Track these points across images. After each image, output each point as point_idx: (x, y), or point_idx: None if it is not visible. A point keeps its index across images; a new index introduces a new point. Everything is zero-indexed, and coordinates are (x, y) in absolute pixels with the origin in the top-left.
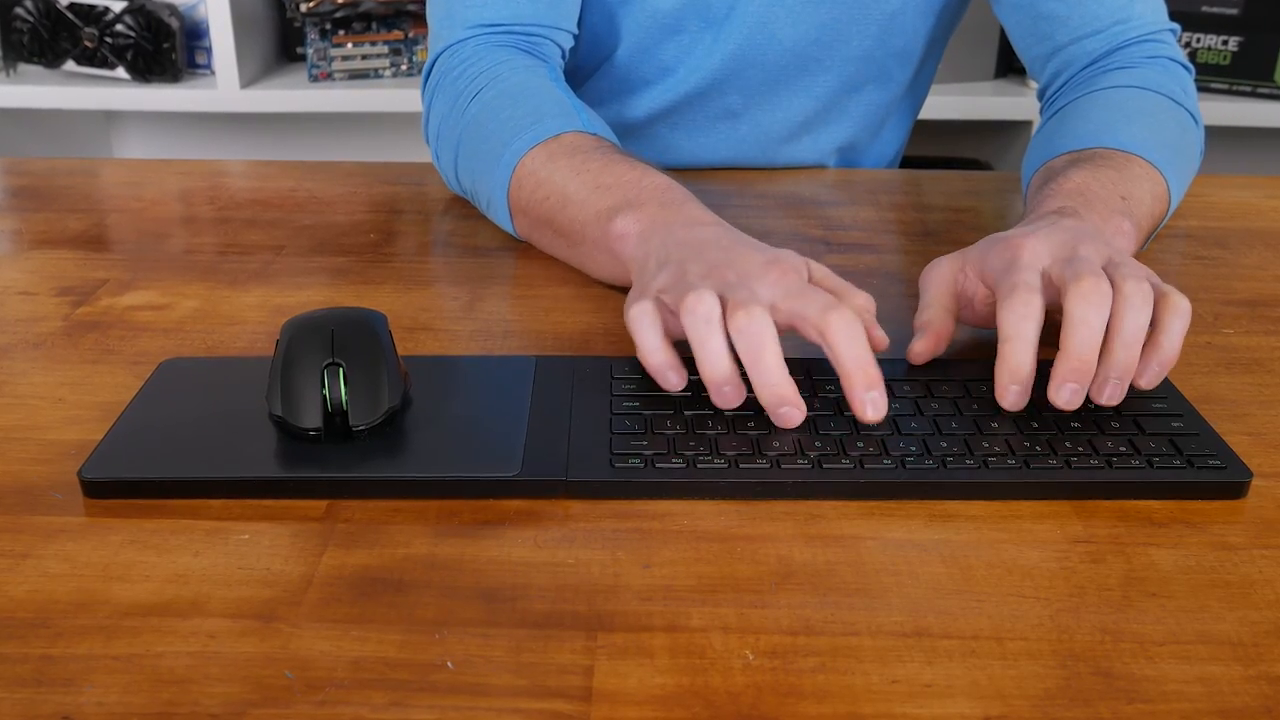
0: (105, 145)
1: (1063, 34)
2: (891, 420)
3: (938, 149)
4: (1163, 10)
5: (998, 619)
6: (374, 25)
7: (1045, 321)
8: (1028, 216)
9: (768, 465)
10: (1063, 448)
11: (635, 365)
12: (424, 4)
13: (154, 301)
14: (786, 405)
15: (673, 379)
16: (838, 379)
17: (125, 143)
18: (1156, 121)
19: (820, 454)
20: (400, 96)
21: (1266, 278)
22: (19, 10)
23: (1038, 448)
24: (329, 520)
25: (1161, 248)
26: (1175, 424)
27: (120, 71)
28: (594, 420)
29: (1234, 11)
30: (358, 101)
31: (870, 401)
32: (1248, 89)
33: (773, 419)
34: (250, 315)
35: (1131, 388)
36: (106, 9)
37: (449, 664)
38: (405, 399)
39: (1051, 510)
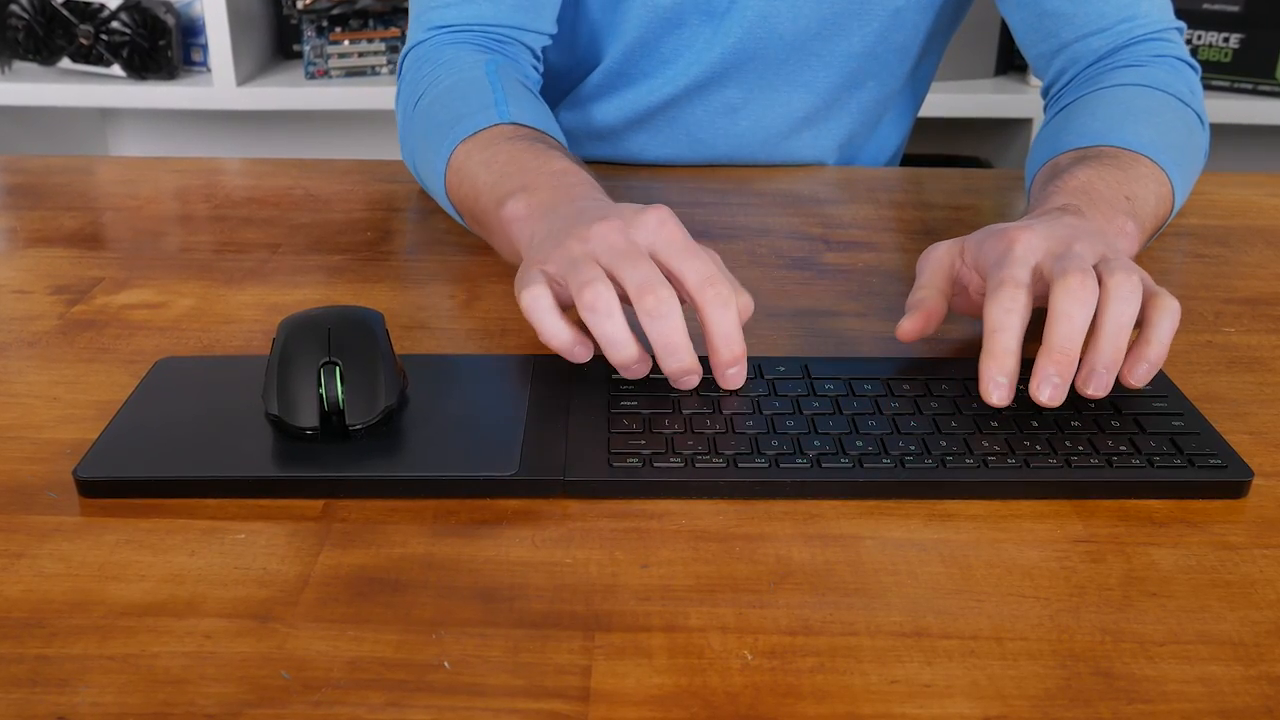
0: (101, 143)
1: (1068, 31)
2: (891, 419)
3: (937, 147)
4: (1168, 8)
5: (997, 619)
6: (371, 22)
7: (1034, 317)
8: (1030, 212)
9: (766, 464)
10: (1063, 447)
11: None
12: None
13: (149, 300)
14: (687, 373)
15: (580, 353)
16: (836, 377)
17: (121, 140)
18: (1163, 121)
19: (819, 453)
20: None
21: (1267, 276)
22: (14, 7)
23: (1038, 447)
24: (326, 520)
25: (1162, 246)
26: (1176, 423)
27: (116, 69)
28: (592, 419)
29: (1235, 9)
30: (354, 99)
31: (730, 376)
32: (1249, 86)
33: (675, 385)
34: (246, 314)
35: (1120, 385)
36: (102, 6)
37: (446, 664)
38: (402, 398)
39: (1051, 510)
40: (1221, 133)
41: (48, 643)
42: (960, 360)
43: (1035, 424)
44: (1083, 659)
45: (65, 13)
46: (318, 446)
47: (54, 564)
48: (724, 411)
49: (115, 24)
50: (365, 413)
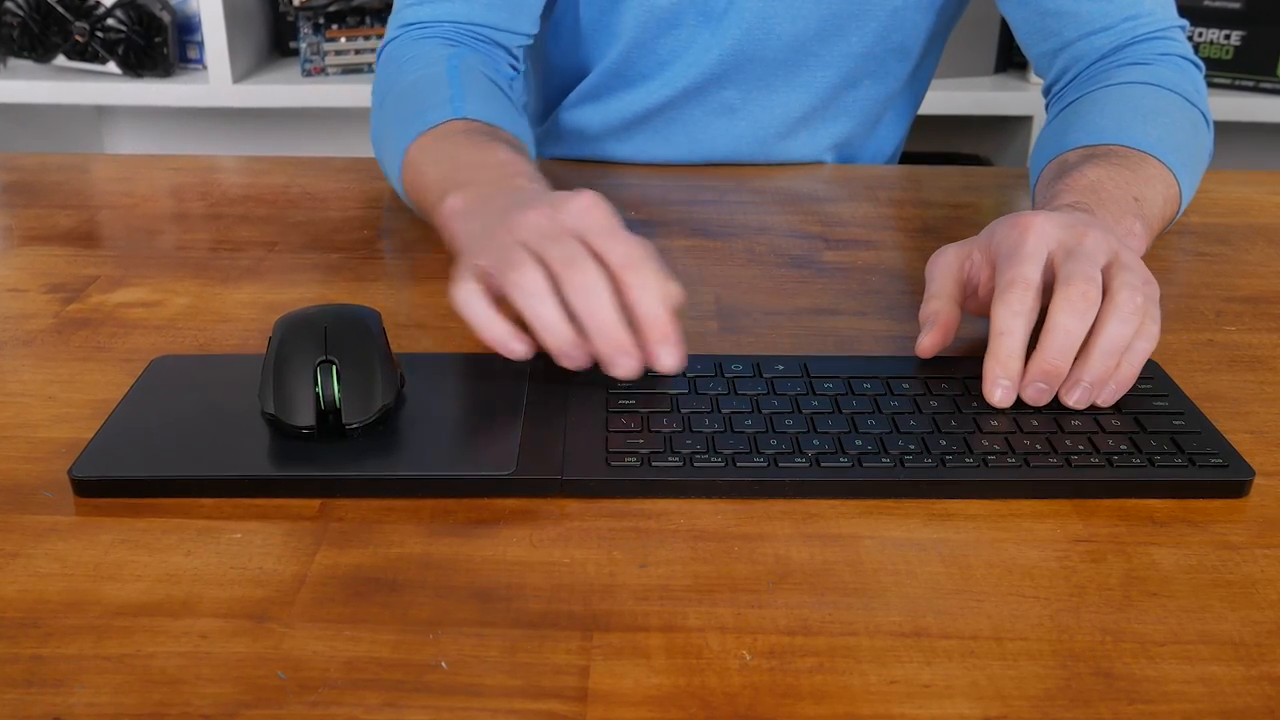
0: (96, 140)
1: (1071, 30)
2: (890, 418)
3: (937, 144)
4: (1172, 6)
5: (997, 619)
6: (367, 19)
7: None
8: (1039, 209)
9: (765, 463)
10: (1063, 446)
11: None
12: None
13: (145, 298)
14: (621, 351)
15: (516, 348)
16: (835, 376)
17: (116, 138)
18: (1171, 121)
19: (818, 452)
20: None
21: (1269, 274)
22: (9, 4)
23: (1038, 446)
24: (322, 519)
25: (1163, 244)
26: (1176, 422)
27: (111, 66)
28: (590, 418)
29: (1236, 6)
30: (351, 96)
31: (664, 355)
32: (1250, 84)
33: (610, 370)
34: (242, 312)
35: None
36: (97, 3)
37: (443, 664)
38: (399, 397)
39: (1051, 509)
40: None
41: (43, 643)
42: (960, 359)
43: (1035, 423)
44: (1083, 659)
45: (61, 10)
46: (314, 446)
47: (49, 564)
48: (723, 410)
49: (111, 21)
50: (362, 412)
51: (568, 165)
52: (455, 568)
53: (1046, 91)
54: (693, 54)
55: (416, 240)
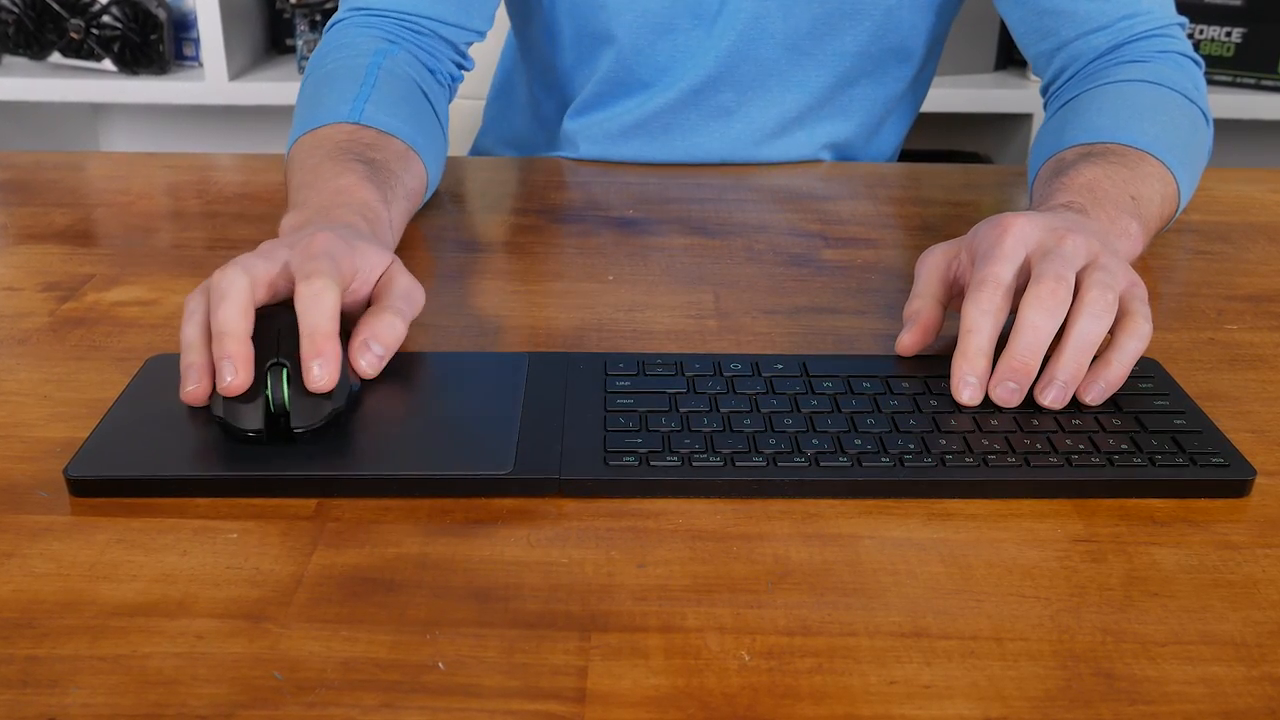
0: (92, 138)
1: (1069, 29)
2: (890, 417)
3: (936, 142)
4: (1170, 4)
5: (997, 619)
6: None
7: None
8: (1034, 208)
9: (764, 463)
10: (1063, 445)
11: (630, 362)
12: None
13: (141, 297)
14: (226, 360)
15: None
16: (834, 375)
17: (112, 136)
18: (1170, 119)
19: (817, 452)
20: None
21: (1270, 272)
22: (4, 2)
23: (1038, 445)
24: (319, 519)
25: (1163, 243)
26: (1177, 421)
27: (107, 63)
28: (588, 417)
29: (1238, 3)
30: None
31: (315, 366)
32: (1251, 81)
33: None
34: None
35: (1111, 385)
36: (93, 0)
37: (441, 665)
38: (351, 399)
39: (1052, 509)
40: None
41: (38, 643)
42: None
43: (1035, 422)
44: (1084, 659)
45: (56, 7)
46: (311, 445)
47: (44, 564)
48: (721, 410)
49: (106, 18)
50: (310, 416)
51: (567, 164)
52: (452, 568)
53: (1044, 91)
54: (690, 58)
55: (412, 238)
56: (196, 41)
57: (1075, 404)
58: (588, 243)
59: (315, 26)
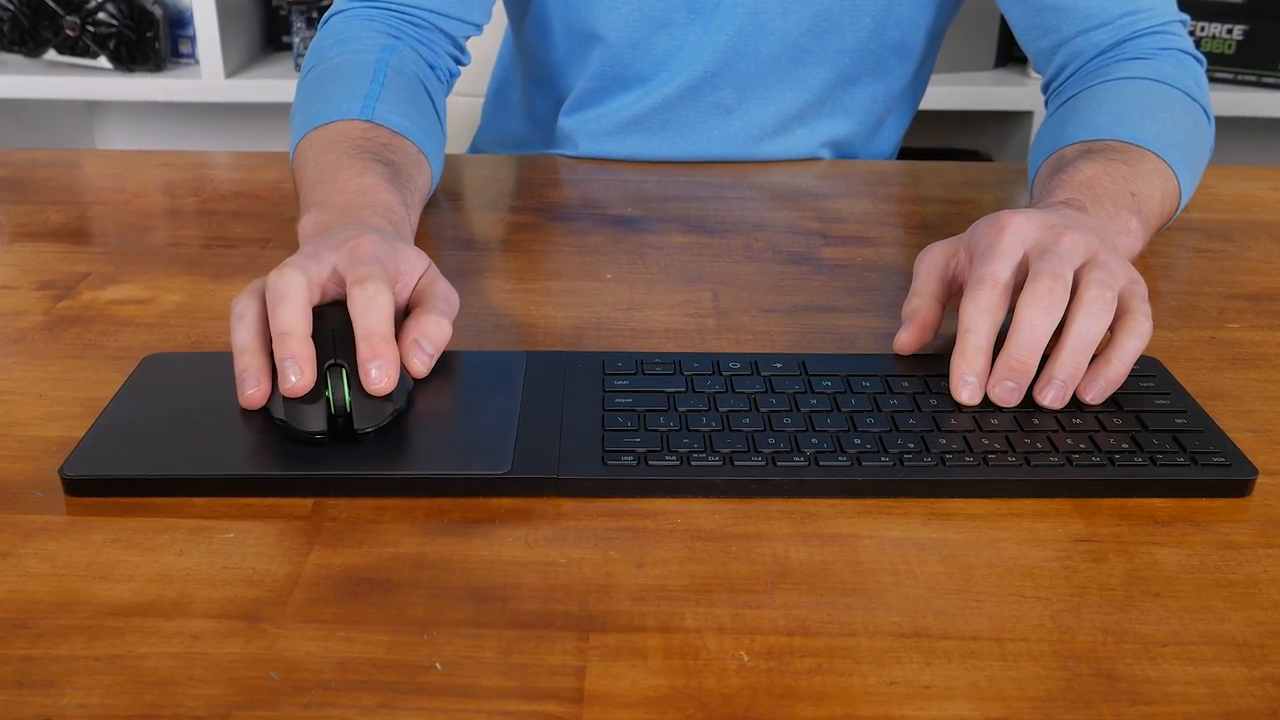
0: (87, 136)
1: (1070, 26)
2: (889, 417)
3: (936, 140)
4: (1172, 1)
5: (998, 619)
6: None
7: None
8: (1034, 206)
9: (763, 462)
10: (1064, 445)
11: (628, 361)
12: None
13: (137, 295)
14: (288, 359)
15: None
16: (834, 374)
17: (107, 133)
18: (1171, 116)
19: (817, 451)
20: None
21: (1271, 271)
22: None
23: (1038, 445)
24: (315, 519)
25: (1165, 241)
26: (1179, 420)
27: (102, 61)
28: (586, 417)
29: (1239, 0)
30: None
31: (373, 369)
32: (1253, 79)
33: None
34: None
35: (1110, 383)
36: None
37: (438, 665)
38: (409, 400)
39: (1052, 508)
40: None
41: (33, 644)
42: None
43: (1036, 421)
44: (1084, 660)
45: (51, 4)
46: (308, 445)
47: (39, 564)
48: (720, 409)
49: (102, 15)
50: (374, 417)
51: (564, 162)
52: (450, 568)
53: (1045, 88)
54: (686, 53)
55: None
56: (192, 39)
57: (1076, 403)
58: (586, 241)
59: (311, 23)
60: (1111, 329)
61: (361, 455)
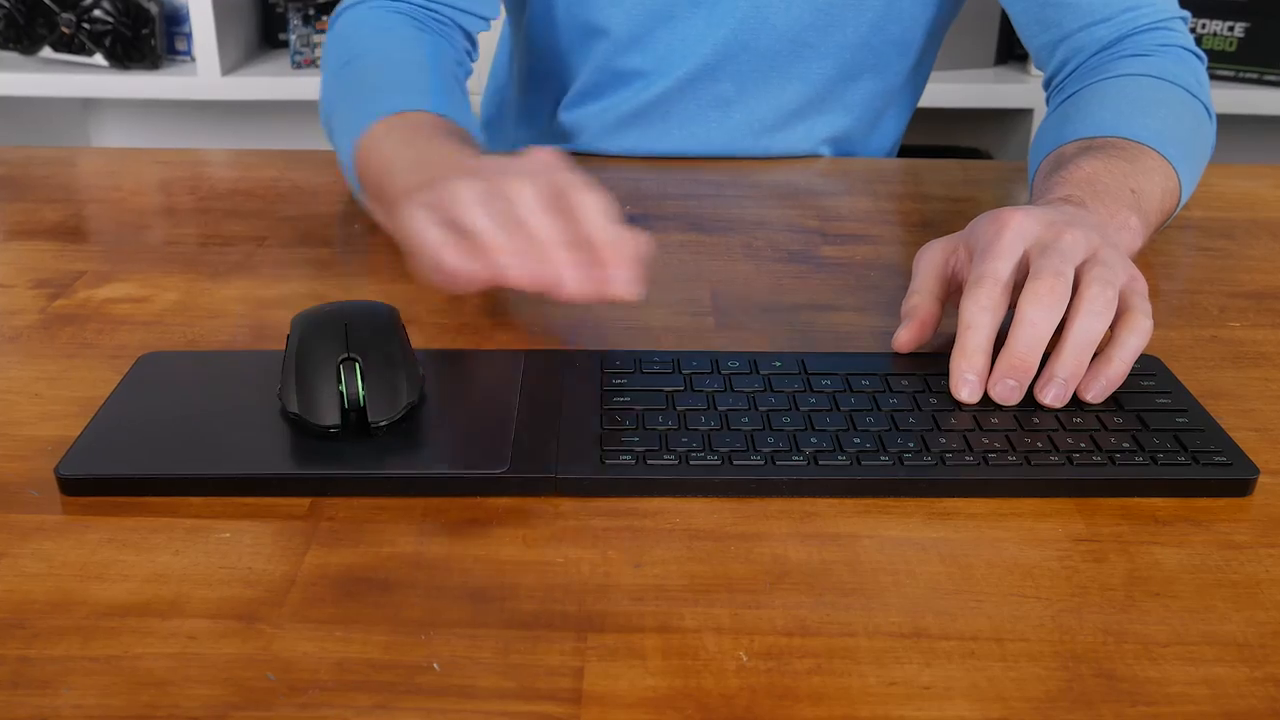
0: (83, 134)
1: (1071, 21)
2: (889, 416)
3: (936, 137)
4: None
5: (998, 619)
6: None
7: None
8: (1033, 203)
9: (762, 462)
10: (1065, 444)
11: (626, 359)
12: None
13: (133, 294)
14: (571, 269)
15: (448, 258)
16: (833, 373)
17: (103, 131)
18: (1172, 113)
19: (816, 450)
20: None
21: (1273, 269)
22: None
23: (1039, 444)
24: (312, 518)
25: (1166, 239)
26: (1180, 419)
27: (98, 58)
28: (584, 416)
29: None
30: None
31: (618, 275)
32: (1254, 76)
33: (556, 292)
34: (231, 308)
35: (1109, 383)
36: None
37: (435, 665)
38: (422, 394)
39: (1053, 508)
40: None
41: (29, 644)
42: None
43: (1036, 420)
44: (1085, 660)
45: (47, 1)
46: (305, 444)
47: (35, 563)
48: (719, 408)
49: (97, 12)
50: (388, 410)
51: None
52: (447, 567)
53: (1047, 84)
54: (688, 46)
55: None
56: (189, 36)
57: (1076, 402)
58: None
59: (308, 21)
60: (1112, 327)
61: (359, 455)
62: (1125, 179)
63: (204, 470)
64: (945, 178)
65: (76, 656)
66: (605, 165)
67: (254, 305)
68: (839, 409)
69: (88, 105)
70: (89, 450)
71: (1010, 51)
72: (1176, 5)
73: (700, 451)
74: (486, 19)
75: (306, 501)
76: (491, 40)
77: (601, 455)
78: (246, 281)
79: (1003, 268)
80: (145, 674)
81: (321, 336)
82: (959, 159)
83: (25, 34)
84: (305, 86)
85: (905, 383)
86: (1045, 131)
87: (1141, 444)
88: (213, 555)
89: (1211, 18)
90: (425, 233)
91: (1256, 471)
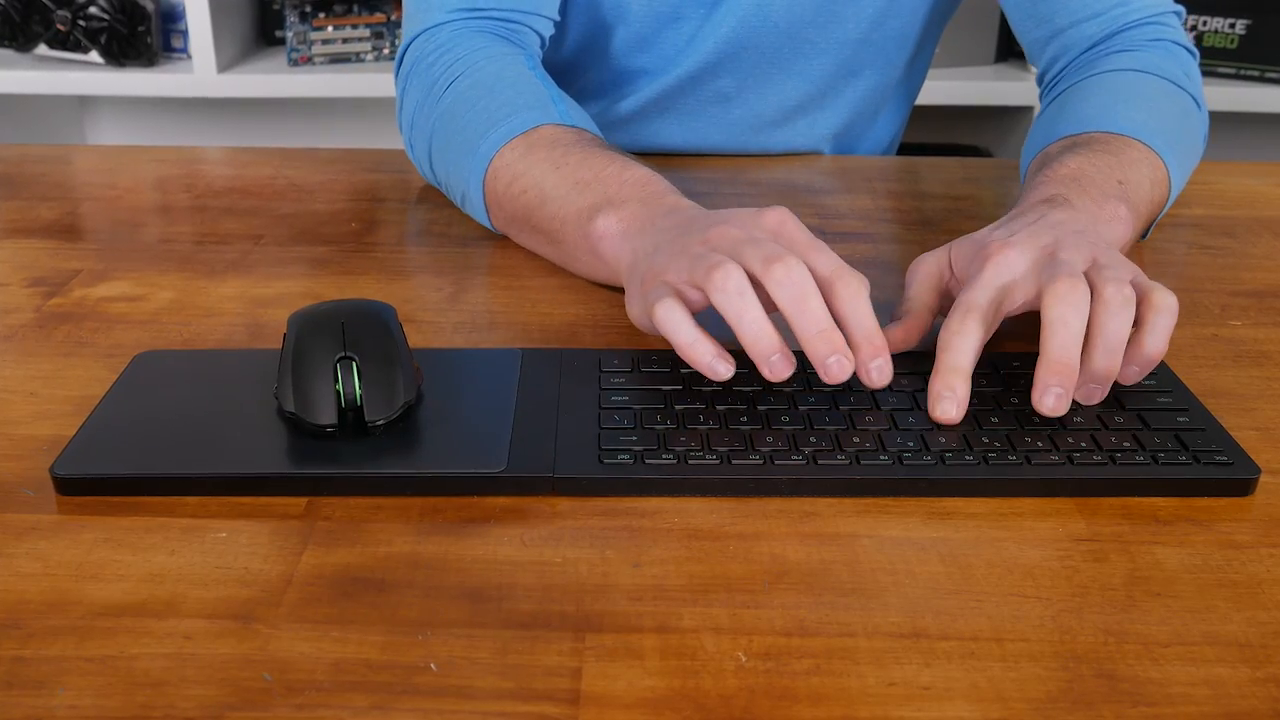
0: (78, 131)
1: (1062, 17)
2: (889, 415)
3: (936, 135)
4: None
5: (998, 619)
6: (355, 8)
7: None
8: (1018, 204)
9: (761, 461)
10: (1065, 443)
11: (624, 358)
12: None
13: (128, 292)
14: (836, 354)
15: (722, 369)
16: None
17: (99, 129)
18: (1156, 105)
19: (815, 450)
20: (382, 81)
21: (1275, 268)
22: None
23: (1039, 443)
24: (309, 518)
25: (1166, 237)
26: (1181, 419)
27: (94, 55)
28: (582, 415)
29: None
30: (338, 86)
31: (875, 369)
32: (1256, 73)
33: (821, 372)
34: (228, 307)
35: (1119, 382)
36: None
37: (433, 666)
38: (419, 393)
39: (1053, 508)
40: (1228, 121)
41: (24, 644)
42: None
43: (1037, 420)
44: (1085, 660)
45: None
46: (301, 443)
47: (30, 563)
48: (718, 407)
49: (93, 9)
50: (385, 409)
51: None
52: (445, 567)
53: (1040, 81)
54: (691, 45)
55: (405, 234)
56: (185, 33)
57: (1075, 402)
58: None
59: (305, 18)
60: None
61: (355, 454)
62: (1111, 171)
63: (200, 470)
64: (945, 175)
65: (72, 657)
66: None
67: (250, 304)
68: (838, 408)
69: (83, 102)
70: (84, 449)
71: (1010, 49)
72: (1169, 0)
73: (699, 451)
74: (551, 19)
75: (303, 501)
76: None
77: (599, 454)
78: (243, 280)
79: (981, 299)
80: (141, 674)
81: (318, 335)
82: (959, 157)
83: (21, 31)
84: (302, 84)
85: (905, 382)
86: (1034, 132)
87: (1142, 443)
88: (209, 555)
89: (1213, 15)
90: (684, 334)
91: (1258, 471)
